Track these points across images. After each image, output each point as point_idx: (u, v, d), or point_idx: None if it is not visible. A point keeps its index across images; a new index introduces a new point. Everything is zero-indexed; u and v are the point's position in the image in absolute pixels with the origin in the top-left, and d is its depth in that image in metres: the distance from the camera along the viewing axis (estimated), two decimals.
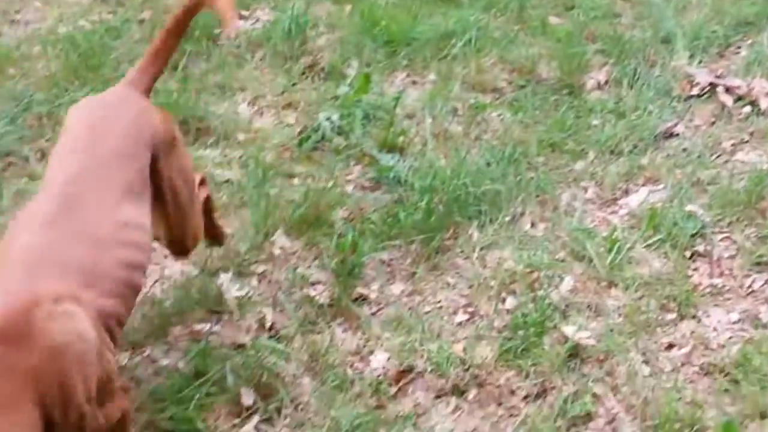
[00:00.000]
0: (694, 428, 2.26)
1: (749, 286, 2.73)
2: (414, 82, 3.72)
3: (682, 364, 2.48)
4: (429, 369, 2.41)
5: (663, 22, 3.98)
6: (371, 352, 2.48)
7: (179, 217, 2.15)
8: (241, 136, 3.33)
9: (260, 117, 3.47)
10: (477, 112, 3.50)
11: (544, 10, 4.14)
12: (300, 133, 3.34)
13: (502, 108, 3.53)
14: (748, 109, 3.50)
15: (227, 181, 3.10)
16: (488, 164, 3.16)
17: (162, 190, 2.06)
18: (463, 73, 3.71)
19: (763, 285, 2.73)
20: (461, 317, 2.60)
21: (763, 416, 2.30)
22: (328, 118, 3.34)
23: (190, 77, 3.58)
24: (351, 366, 2.44)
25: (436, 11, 4.10)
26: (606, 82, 3.69)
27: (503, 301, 2.63)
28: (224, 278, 2.69)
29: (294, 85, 3.64)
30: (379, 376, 2.39)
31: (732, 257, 2.84)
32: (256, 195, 2.98)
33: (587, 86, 3.66)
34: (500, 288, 2.67)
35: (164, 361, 2.47)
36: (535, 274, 2.71)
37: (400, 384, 2.38)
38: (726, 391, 2.39)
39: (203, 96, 3.50)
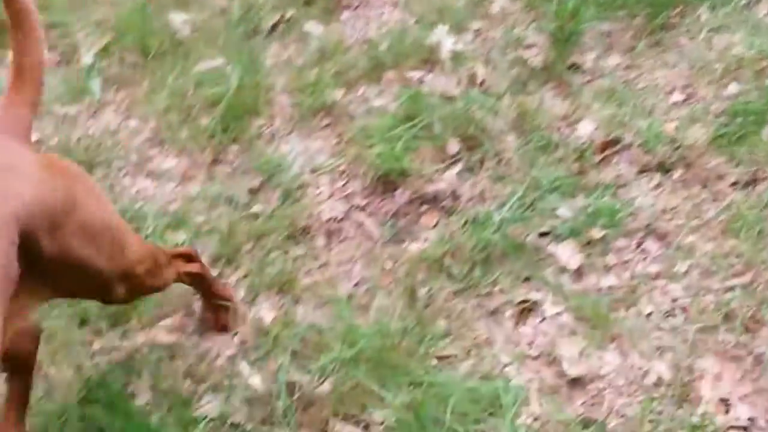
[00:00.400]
0: None
1: None
2: None
3: None
4: (636, 143, 2.37)
5: None
6: (579, 120, 2.45)
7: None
8: None
9: None
10: None
11: None
12: None
13: None
14: None
15: None
16: None
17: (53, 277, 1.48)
18: None
19: None
20: (677, 97, 2.50)
21: None
22: None
23: None
24: (557, 130, 2.43)
25: None
26: None
27: (725, 86, 2.51)
28: (440, 30, 2.69)
29: None
30: (584, 143, 2.38)
31: None
32: None
33: None
34: (724, 73, 2.53)
35: (376, 102, 2.55)
36: (764, 62, 2.55)
37: (605, 154, 2.36)
38: None
39: None
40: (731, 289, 2.03)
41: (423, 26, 2.75)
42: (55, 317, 2.08)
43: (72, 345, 2.04)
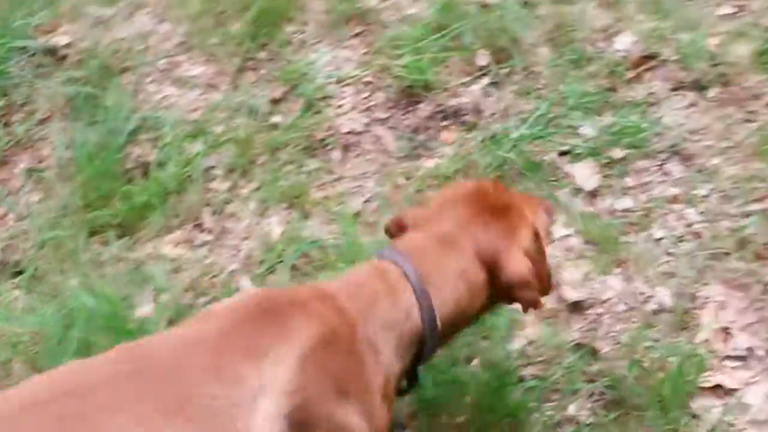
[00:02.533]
0: None
1: None
2: None
3: None
4: (674, 58, 2.26)
5: None
6: (618, 32, 2.35)
7: None
8: None
9: None
10: None
11: None
12: None
13: None
14: None
15: None
16: None
17: None
18: None
19: None
20: (726, 10, 2.37)
21: None
22: None
23: None
24: (593, 44, 2.34)
25: None
26: None
27: None
28: None
29: None
30: (619, 58, 2.28)
31: None
32: None
33: None
34: None
35: (410, 9, 2.50)
36: None
37: (639, 70, 2.26)
38: None
39: None
40: (749, 215, 1.96)
41: None
42: (65, 227, 2.17)
43: (79, 254, 2.12)
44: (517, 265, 1.38)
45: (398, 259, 1.35)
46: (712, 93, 2.20)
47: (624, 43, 2.32)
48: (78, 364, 1.25)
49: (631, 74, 2.26)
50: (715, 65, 2.23)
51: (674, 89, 2.22)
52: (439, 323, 1.35)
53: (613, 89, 2.24)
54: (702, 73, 2.22)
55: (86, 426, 1.09)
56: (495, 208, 1.43)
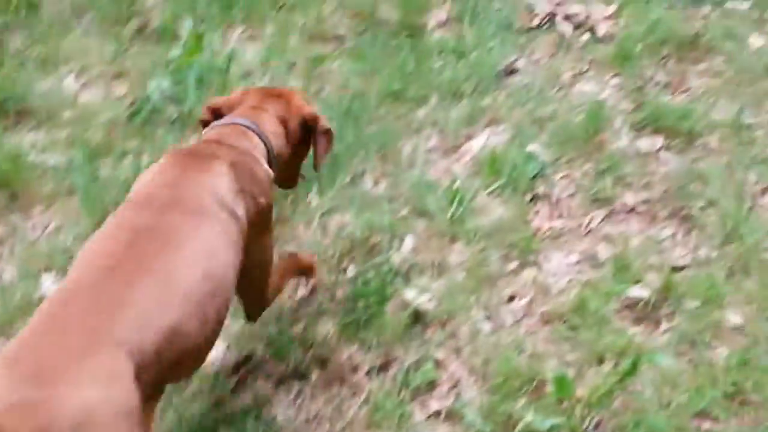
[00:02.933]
0: (534, 382, 2.28)
1: (587, 225, 2.75)
2: (251, 37, 3.58)
3: (524, 316, 2.49)
4: (268, 355, 2.36)
5: None
6: None
7: None
8: (66, 114, 3.17)
9: (87, 91, 3.31)
10: (316, 64, 3.39)
11: None
12: (130, 105, 3.19)
13: (343, 58, 3.43)
14: (586, 36, 3.49)
15: (52, 166, 2.94)
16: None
17: None
18: (303, 23, 3.59)
19: (600, 222, 2.75)
20: (303, 292, 2.54)
21: (600, 361, 2.34)
22: (158, 87, 3.19)
23: (7, 53, 3.37)
24: None
25: None
26: (447, 21, 3.62)
27: (344, 270, 2.59)
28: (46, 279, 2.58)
29: (125, 50, 3.47)
30: (215, 371, 2.33)
31: (571, 196, 2.85)
32: (84, 179, 2.84)
33: (428, 26, 3.59)
34: (341, 256, 2.62)
35: None
36: (376, 237, 2.66)
37: (240, 374, 2.32)
38: (565, 339, 2.41)
39: (24, 73, 3.30)
40: None
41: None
42: None
43: None
44: (323, 119, 2.28)
45: (242, 121, 2.16)
46: (314, 377, 2.31)
47: (217, 351, 2.38)
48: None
49: (233, 381, 2.31)
50: (309, 348, 2.36)
51: (278, 384, 2.31)
52: (274, 150, 2.16)
53: (221, 402, 2.27)
54: (298, 361, 2.34)
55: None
56: (277, 93, 2.31)
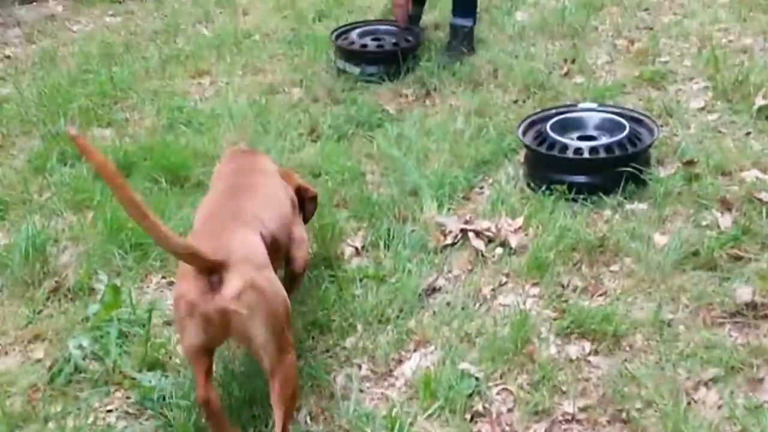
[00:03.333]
0: None
1: None
2: (170, 284, 3.56)
3: None
4: None
5: (407, 175, 4.08)
6: None
7: None
8: None
9: (3, 357, 3.19)
10: None
11: None
12: (50, 367, 3.09)
13: None
14: (500, 250, 3.58)
15: None
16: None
17: None
18: None
19: None
20: None
21: None
22: (78, 346, 3.12)
23: None
24: None
25: (184, 202, 4.00)
26: (363, 247, 3.69)
27: None
28: None
29: (39, 312, 3.40)
30: None
31: (510, 410, 2.83)
32: None
33: (345, 255, 3.64)
34: None
35: None
36: None
37: None
38: None
39: None
40: None
41: None
42: None
43: None
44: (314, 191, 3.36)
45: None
46: None
47: None
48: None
49: None
50: None
51: None
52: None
53: None
54: None
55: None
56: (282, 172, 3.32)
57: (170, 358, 3.12)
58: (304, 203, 3.31)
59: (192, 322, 2.44)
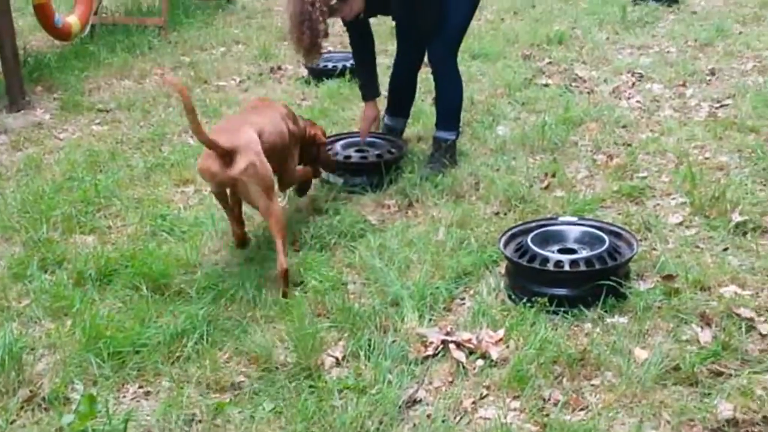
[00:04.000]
0: None
1: None
2: (147, 393, 3.51)
3: None
4: None
5: (389, 285, 4.08)
6: None
7: None
8: None
9: None
10: (217, 413, 3.33)
11: (274, 291, 4.14)
12: None
13: (242, 404, 3.39)
14: (481, 362, 3.57)
15: None
16: None
17: None
18: (199, 374, 3.56)
19: None
20: None
21: None
22: None
23: None
24: None
25: (165, 310, 3.98)
26: (344, 358, 3.66)
27: None
28: None
29: (12, 423, 3.32)
30: None
31: None
32: None
33: (326, 365, 3.62)
34: None
35: None
36: None
37: None
38: None
39: None
40: None
41: None
42: None
43: None
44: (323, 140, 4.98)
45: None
46: None
47: None
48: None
49: None
50: None
51: None
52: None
53: None
54: None
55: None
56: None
57: None
58: (316, 146, 4.89)
59: (212, 183, 4.15)
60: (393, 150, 5.53)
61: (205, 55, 8.80)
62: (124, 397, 3.49)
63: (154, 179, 5.61)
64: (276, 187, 4.13)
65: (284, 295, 4.05)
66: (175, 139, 6.40)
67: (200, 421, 3.31)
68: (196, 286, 4.16)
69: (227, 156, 3.89)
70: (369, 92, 5.56)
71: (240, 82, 7.90)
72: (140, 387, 3.54)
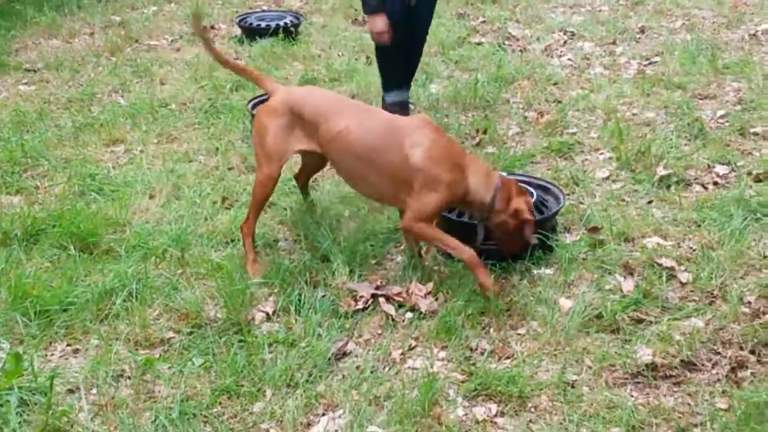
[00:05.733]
0: None
1: None
2: (76, 351, 3.49)
3: None
4: None
5: (320, 241, 4.09)
6: None
7: None
8: None
9: None
10: (146, 369, 3.33)
11: (204, 248, 4.13)
12: None
13: (172, 360, 3.39)
14: (410, 314, 3.61)
15: None
16: (163, 427, 2.98)
17: None
18: (128, 330, 3.55)
19: None
20: None
21: None
22: None
23: None
24: None
25: (93, 269, 3.95)
26: (274, 313, 3.68)
27: None
28: None
29: None
30: None
31: None
32: None
33: (256, 320, 3.63)
34: None
35: None
36: None
37: None
38: None
39: None
40: None
41: None
42: None
43: None
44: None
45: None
46: None
47: None
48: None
49: None
50: None
51: None
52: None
53: None
54: None
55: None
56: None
57: (72, 426, 3.03)
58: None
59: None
60: None
61: (136, 14, 8.64)
62: (52, 355, 3.46)
63: (83, 139, 5.52)
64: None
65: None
66: (105, 99, 6.30)
67: (129, 377, 3.30)
68: (125, 245, 4.13)
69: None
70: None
71: (172, 41, 7.78)
72: (68, 345, 3.52)
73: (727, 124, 5.37)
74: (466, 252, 3.64)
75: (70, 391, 3.23)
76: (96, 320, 3.63)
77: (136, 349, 3.46)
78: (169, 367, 3.35)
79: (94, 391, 3.23)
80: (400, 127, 3.71)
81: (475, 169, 3.69)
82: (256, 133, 3.90)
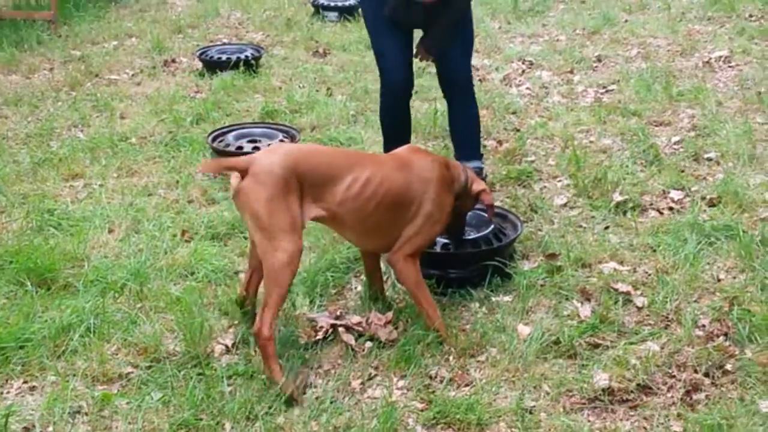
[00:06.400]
0: None
1: None
2: (32, 388, 3.45)
3: None
4: None
5: None
6: None
7: None
8: None
9: None
10: (104, 405, 3.30)
11: (163, 281, 4.11)
12: None
13: (131, 395, 3.36)
14: (369, 344, 3.62)
15: None
16: None
17: None
18: (85, 366, 3.52)
19: None
20: None
21: None
22: None
23: None
24: None
25: (51, 304, 3.92)
26: (234, 345, 3.67)
27: None
28: None
29: None
30: None
31: None
32: None
33: (216, 353, 3.61)
34: None
35: None
36: None
37: None
38: None
39: None
40: None
41: None
42: None
43: None
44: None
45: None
46: None
47: None
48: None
49: None
50: None
51: None
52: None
53: None
54: None
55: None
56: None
57: None
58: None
59: None
60: (285, 140, 5.54)
61: (96, 49, 8.63)
62: (8, 393, 3.42)
63: (41, 174, 5.49)
64: None
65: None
66: (64, 134, 6.27)
67: (86, 413, 3.27)
68: (83, 280, 4.10)
69: None
70: None
71: (133, 75, 7.78)
72: (25, 382, 3.48)
73: (681, 150, 5.46)
74: (437, 320, 3.62)
75: (26, 429, 3.19)
76: (53, 356, 3.60)
77: (94, 385, 3.43)
78: (127, 403, 3.32)
79: (50, 428, 3.19)
80: (410, 161, 3.66)
81: (454, 164, 3.86)
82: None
